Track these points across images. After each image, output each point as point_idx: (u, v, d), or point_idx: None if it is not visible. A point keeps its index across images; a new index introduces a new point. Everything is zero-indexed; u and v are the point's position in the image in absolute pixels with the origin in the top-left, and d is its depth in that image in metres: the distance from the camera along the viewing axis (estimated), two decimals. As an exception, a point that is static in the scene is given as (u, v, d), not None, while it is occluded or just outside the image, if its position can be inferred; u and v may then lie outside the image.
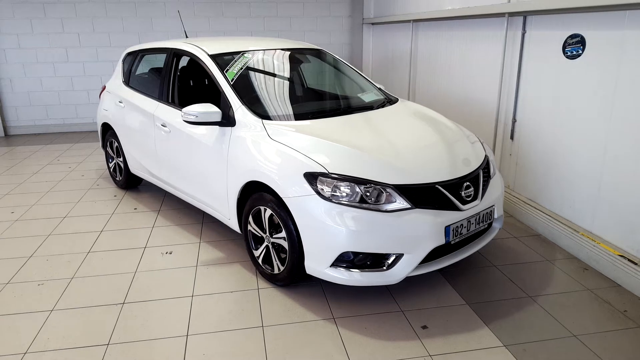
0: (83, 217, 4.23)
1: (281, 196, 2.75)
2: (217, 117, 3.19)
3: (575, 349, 2.44)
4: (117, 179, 4.93)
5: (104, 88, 4.98)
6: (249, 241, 3.17)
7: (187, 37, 5.07)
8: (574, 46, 3.44)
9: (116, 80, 4.79)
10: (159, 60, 4.82)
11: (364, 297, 2.90)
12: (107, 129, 4.90)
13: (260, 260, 3.10)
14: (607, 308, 2.78)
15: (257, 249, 3.12)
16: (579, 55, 3.40)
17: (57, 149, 6.72)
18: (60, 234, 3.89)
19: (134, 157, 4.43)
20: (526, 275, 3.15)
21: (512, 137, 4.19)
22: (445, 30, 5.37)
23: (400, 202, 2.60)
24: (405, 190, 2.62)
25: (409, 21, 6.26)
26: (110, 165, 5.03)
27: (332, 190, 2.61)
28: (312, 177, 2.65)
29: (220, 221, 3.54)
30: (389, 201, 2.60)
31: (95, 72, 7.63)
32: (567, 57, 3.50)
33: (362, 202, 2.58)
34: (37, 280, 3.17)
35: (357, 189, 2.60)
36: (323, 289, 2.98)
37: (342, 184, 2.61)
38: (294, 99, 3.78)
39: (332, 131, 3.03)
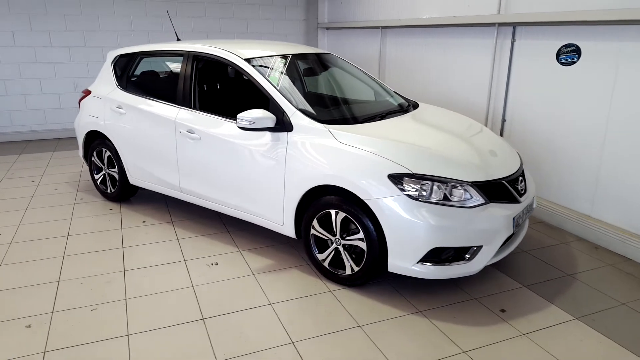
0: (90, 234, 3.86)
1: (363, 198, 2.82)
2: (271, 123, 3.17)
3: (631, 314, 2.84)
4: (109, 191, 4.54)
5: (87, 93, 4.55)
6: (310, 245, 3.19)
7: (178, 38, 4.85)
8: (569, 54, 3.91)
9: (106, 84, 4.41)
10: (160, 64, 4.57)
11: (432, 289, 3.08)
12: (92, 138, 4.50)
13: (326, 263, 3.13)
14: (632, 279, 3.27)
15: (321, 252, 3.15)
16: (574, 63, 3.88)
17: (1, 161, 5.95)
18: (76, 254, 3.52)
19: (139, 166, 4.13)
20: (554, 257, 3.56)
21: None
22: (421, 37, 5.70)
23: (477, 198, 2.82)
24: (480, 187, 2.85)
25: (377, 27, 6.54)
26: (97, 177, 4.61)
27: (417, 189, 2.75)
28: (397, 178, 2.77)
29: (250, 228, 3.47)
30: (468, 198, 2.81)
31: (67, 74, 6.95)
32: (562, 64, 3.97)
33: (445, 200, 2.77)
34: (86, 305, 2.87)
35: (440, 187, 2.77)
36: (393, 286, 3.10)
37: (426, 183, 2.77)
38: (338, 102, 3.83)
39: (394, 133, 3.16)
